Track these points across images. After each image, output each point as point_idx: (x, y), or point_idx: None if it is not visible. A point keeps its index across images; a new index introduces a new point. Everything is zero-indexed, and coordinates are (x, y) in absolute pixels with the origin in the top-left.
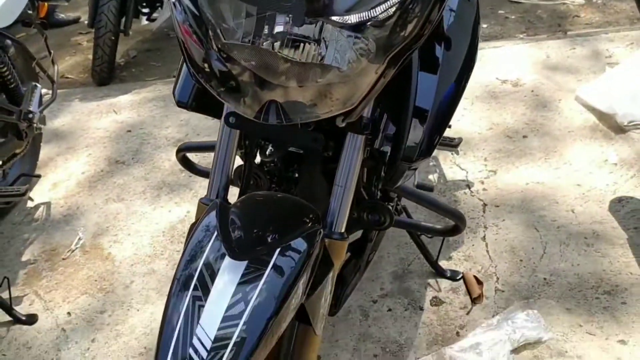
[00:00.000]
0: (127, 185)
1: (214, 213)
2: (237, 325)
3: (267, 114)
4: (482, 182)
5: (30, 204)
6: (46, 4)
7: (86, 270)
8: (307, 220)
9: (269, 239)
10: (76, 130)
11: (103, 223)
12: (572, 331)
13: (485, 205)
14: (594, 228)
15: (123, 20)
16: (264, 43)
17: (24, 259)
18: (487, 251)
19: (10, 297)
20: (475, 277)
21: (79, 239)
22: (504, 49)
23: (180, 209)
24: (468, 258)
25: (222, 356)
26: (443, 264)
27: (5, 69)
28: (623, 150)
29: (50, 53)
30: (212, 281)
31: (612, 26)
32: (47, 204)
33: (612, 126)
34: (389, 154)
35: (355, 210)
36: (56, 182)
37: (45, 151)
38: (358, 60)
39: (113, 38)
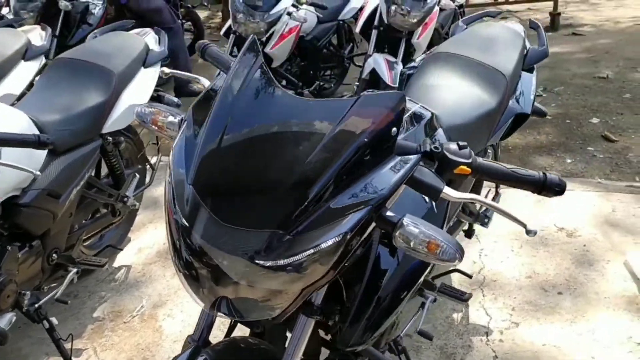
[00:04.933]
0: None
1: (185, 355)
2: None
3: (219, 308)
4: (502, 333)
5: (115, 264)
6: None
7: (138, 338)
8: None
9: None
10: None
11: (165, 295)
12: None
13: (495, 357)
14: None
15: None
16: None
17: (95, 314)
18: None
19: (71, 349)
20: None
21: (142, 306)
22: (573, 194)
23: None
24: None
25: None
26: None
27: (115, 160)
28: None
29: (157, 143)
30: None
31: None
32: (128, 267)
33: None
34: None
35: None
36: (141, 248)
37: (141, 216)
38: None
39: None
